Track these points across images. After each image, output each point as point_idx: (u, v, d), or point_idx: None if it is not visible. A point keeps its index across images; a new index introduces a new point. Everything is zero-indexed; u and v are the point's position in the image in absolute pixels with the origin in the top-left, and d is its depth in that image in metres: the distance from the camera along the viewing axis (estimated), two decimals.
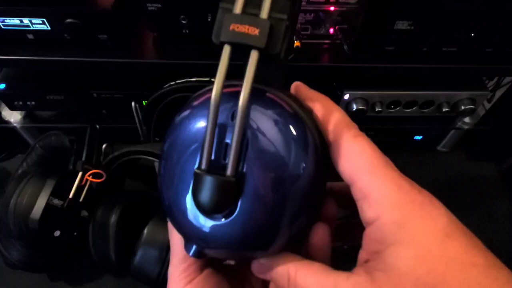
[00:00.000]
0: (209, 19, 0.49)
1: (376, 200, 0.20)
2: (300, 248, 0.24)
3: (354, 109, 0.61)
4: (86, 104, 0.64)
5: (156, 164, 0.60)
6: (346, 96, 0.61)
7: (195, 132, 0.21)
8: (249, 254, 0.23)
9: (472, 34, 0.50)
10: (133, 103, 0.59)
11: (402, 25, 0.49)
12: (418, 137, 0.75)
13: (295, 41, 0.49)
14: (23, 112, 0.69)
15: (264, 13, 0.19)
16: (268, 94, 0.22)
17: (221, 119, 0.20)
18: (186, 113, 0.22)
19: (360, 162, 0.21)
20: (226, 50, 0.19)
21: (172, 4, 0.47)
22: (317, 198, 0.23)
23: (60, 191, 0.53)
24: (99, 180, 0.56)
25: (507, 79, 0.69)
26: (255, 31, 0.18)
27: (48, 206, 0.52)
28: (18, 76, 0.63)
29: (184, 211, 0.22)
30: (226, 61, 0.19)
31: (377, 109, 0.62)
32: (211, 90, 0.19)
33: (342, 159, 0.21)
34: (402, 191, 0.20)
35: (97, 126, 0.61)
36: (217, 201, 0.19)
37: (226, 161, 0.20)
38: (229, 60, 0.19)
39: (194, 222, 0.21)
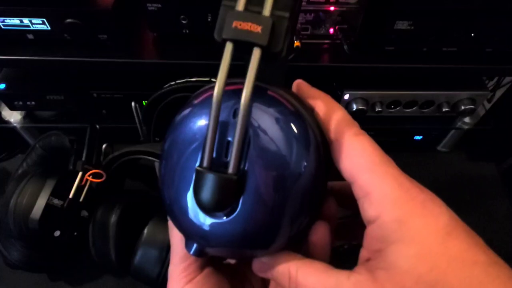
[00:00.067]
0: (209, 19, 0.49)
1: (377, 198, 0.20)
2: (300, 247, 0.24)
3: (354, 109, 0.61)
4: (86, 104, 0.64)
5: (156, 164, 0.60)
6: (346, 96, 0.61)
7: (196, 130, 0.21)
8: (250, 252, 0.23)
9: (472, 34, 0.50)
10: (133, 103, 0.59)
11: (402, 25, 0.49)
12: (418, 137, 0.75)
13: (295, 41, 0.49)
14: (23, 112, 0.69)
15: (267, 10, 0.19)
16: (269, 92, 0.22)
17: (223, 117, 0.20)
18: (187, 111, 0.22)
19: (361, 160, 0.21)
20: (229, 48, 0.19)
21: (172, 4, 0.47)
22: (318, 197, 0.23)
23: (60, 191, 0.53)
24: (99, 180, 0.56)
25: (507, 79, 0.69)
26: (258, 29, 0.18)
27: (48, 206, 0.52)
28: (18, 76, 0.63)
29: (185, 209, 0.22)
30: (228, 59, 0.19)
31: (377, 109, 0.62)
32: (212, 88, 0.19)
33: (343, 157, 0.21)
34: (403, 189, 0.20)
35: (97, 126, 0.61)
36: (219, 199, 0.19)
37: (228, 159, 0.20)
38: (231, 57, 0.19)
39: (195, 220, 0.21)
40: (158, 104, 0.55)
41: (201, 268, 0.26)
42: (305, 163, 0.21)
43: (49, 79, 0.63)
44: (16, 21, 0.48)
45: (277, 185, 0.20)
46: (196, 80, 0.52)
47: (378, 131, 0.69)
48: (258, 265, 0.24)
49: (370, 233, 0.21)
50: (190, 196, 0.21)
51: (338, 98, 0.62)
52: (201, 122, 0.21)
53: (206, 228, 0.21)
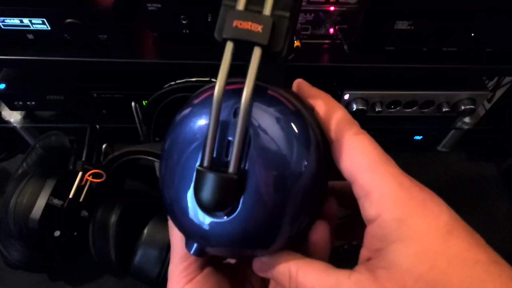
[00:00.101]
0: (209, 19, 0.49)
1: (377, 197, 0.20)
2: (300, 246, 0.24)
3: (354, 109, 0.61)
4: (86, 104, 0.64)
5: (156, 164, 0.60)
6: (346, 96, 0.61)
7: (196, 129, 0.21)
8: (250, 252, 0.23)
9: (472, 34, 0.50)
10: (133, 103, 0.59)
11: (402, 25, 0.49)
12: (418, 137, 0.75)
13: (295, 41, 0.49)
14: (23, 112, 0.69)
15: (267, 10, 0.19)
16: (270, 92, 0.22)
17: (223, 116, 0.20)
18: (187, 111, 0.22)
19: (361, 159, 0.21)
20: (229, 47, 0.19)
21: (172, 4, 0.47)
22: (318, 196, 0.23)
23: (60, 191, 0.53)
24: (99, 180, 0.56)
25: (507, 79, 0.69)
26: (258, 28, 0.18)
27: (48, 206, 0.52)
28: (18, 76, 0.63)
29: (185, 209, 0.21)
30: (229, 58, 0.19)
31: (377, 109, 0.62)
32: (212, 88, 0.19)
33: (343, 157, 0.21)
34: (403, 188, 0.20)
35: (97, 126, 0.61)
36: (219, 199, 0.19)
37: (228, 159, 0.20)
38: (231, 57, 0.19)
39: (195, 220, 0.21)
40: (158, 104, 0.55)
41: (201, 268, 0.26)
42: (306, 163, 0.21)
43: (49, 79, 0.63)
44: (16, 21, 0.48)
45: (278, 185, 0.20)
46: (196, 80, 0.52)
47: (378, 131, 0.69)
48: (259, 264, 0.24)
49: (370, 232, 0.21)
50: (190, 195, 0.21)
51: (338, 98, 0.62)
52: (202, 121, 0.21)
53: (207, 227, 0.21)
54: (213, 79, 0.51)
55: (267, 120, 0.20)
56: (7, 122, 0.69)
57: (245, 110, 0.19)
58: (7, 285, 0.62)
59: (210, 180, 0.19)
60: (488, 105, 0.73)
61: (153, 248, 0.53)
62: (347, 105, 0.62)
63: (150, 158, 0.54)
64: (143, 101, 0.62)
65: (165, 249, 0.52)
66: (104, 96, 0.63)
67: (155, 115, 0.57)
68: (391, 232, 0.19)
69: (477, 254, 0.18)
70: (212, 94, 0.19)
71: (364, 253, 0.21)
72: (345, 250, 0.60)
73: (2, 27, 0.49)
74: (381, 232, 0.20)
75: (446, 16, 0.49)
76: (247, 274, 0.29)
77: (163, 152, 0.23)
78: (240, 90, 0.18)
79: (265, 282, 0.29)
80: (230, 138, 0.20)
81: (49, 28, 0.49)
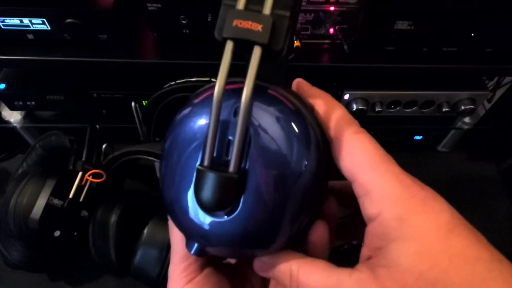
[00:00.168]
0: (209, 19, 0.49)
1: (377, 196, 0.20)
2: (300, 246, 0.24)
3: (354, 109, 0.61)
4: (86, 104, 0.64)
5: (156, 164, 0.60)
6: (346, 96, 0.61)
7: (196, 129, 0.21)
8: (250, 252, 0.23)
9: (472, 34, 0.50)
10: (133, 103, 0.59)
11: (402, 25, 0.49)
12: (418, 137, 0.75)
13: (295, 41, 0.49)
14: (23, 112, 0.69)
15: (267, 9, 0.19)
16: (270, 91, 0.22)
17: (223, 115, 0.20)
18: (187, 110, 0.22)
19: (361, 158, 0.21)
20: (229, 46, 0.19)
21: (172, 4, 0.47)
22: (319, 196, 0.23)
23: (60, 191, 0.53)
24: (99, 180, 0.56)
25: (507, 79, 0.69)
26: (258, 27, 0.18)
27: (48, 206, 0.52)
28: (18, 76, 0.63)
29: (185, 209, 0.21)
30: (229, 57, 0.19)
31: (377, 109, 0.62)
32: (212, 87, 0.19)
33: (343, 156, 0.21)
34: (404, 187, 0.20)
35: (97, 126, 0.61)
36: (219, 198, 0.19)
37: (229, 158, 0.20)
38: (231, 56, 0.19)
39: (195, 219, 0.21)
40: (158, 104, 0.55)
41: (202, 268, 0.26)
42: (306, 162, 0.21)
43: (49, 79, 0.63)
44: (16, 21, 0.48)
45: (278, 184, 0.20)
46: (196, 80, 0.52)
47: (378, 131, 0.69)
48: (259, 264, 0.24)
49: (371, 231, 0.21)
50: (190, 195, 0.21)
51: (338, 98, 0.62)
52: (202, 121, 0.21)
53: (207, 227, 0.21)
54: (213, 79, 0.51)
55: (267, 120, 0.20)
56: (7, 122, 0.69)
57: (245, 109, 0.18)
58: (7, 285, 0.62)
59: (210, 179, 0.19)
60: (488, 105, 0.73)
61: (153, 248, 0.53)
62: (347, 105, 0.62)
63: (150, 158, 0.54)
64: (143, 101, 0.62)
65: (165, 249, 0.52)
66: (104, 96, 0.63)
67: (155, 115, 0.57)
68: (392, 231, 0.19)
69: (479, 252, 0.18)
70: (212, 94, 0.19)
71: (364, 251, 0.21)
72: (345, 250, 0.60)
73: (2, 27, 0.49)
74: (381, 231, 0.20)
75: (446, 16, 0.49)
76: (247, 274, 0.29)
77: (163, 152, 0.23)
78: (240, 90, 0.18)
79: (265, 282, 0.29)
80: (230, 138, 0.20)
81: (49, 28, 0.49)
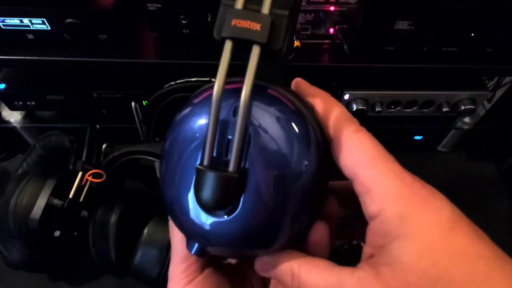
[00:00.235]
0: (209, 19, 0.49)
1: (378, 193, 0.20)
2: (300, 246, 0.24)
3: (354, 109, 0.61)
4: (86, 104, 0.64)
5: (156, 164, 0.60)
6: (346, 96, 0.61)
7: (196, 129, 0.21)
8: (251, 251, 0.23)
9: (472, 34, 0.50)
10: (133, 103, 0.59)
11: (402, 25, 0.49)
12: (418, 137, 0.75)
13: (295, 41, 0.49)
14: (23, 112, 0.69)
15: (266, 8, 0.19)
16: (269, 91, 0.22)
17: (223, 115, 0.20)
18: (187, 110, 0.22)
19: (361, 156, 0.21)
20: (228, 46, 0.19)
21: (172, 4, 0.47)
22: (319, 195, 0.23)
23: (60, 191, 0.53)
24: (99, 180, 0.56)
25: (507, 79, 0.69)
26: (257, 26, 0.18)
27: (48, 206, 0.52)
28: (18, 76, 0.63)
29: (186, 209, 0.21)
30: (228, 57, 0.19)
31: (377, 109, 0.62)
32: (211, 87, 0.19)
33: (344, 154, 0.21)
34: (405, 184, 0.20)
35: (97, 126, 0.61)
36: (219, 198, 0.19)
37: (228, 157, 0.20)
38: (230, 55, 0.19)
39: (196, 219, 0.21)
40: (158, 104, 0.55)
41: (202, 268, 0.26)
42: (306, 161, 0.21)
43: (49, 79, 0.63)
44: (16, 21, 0.48)
45: (278, 183, 0.20)
46: (196, 80, 0.52)
47: (378, 131, 0.69)
48: (260, 264, 0.24)
49: (372, 229, 0.21)
50: (191, 195, 0.21)
51: (338, 98, 0.62)
52: (201, 121, 0.21)
53: (207, 227, 0.21)
54: (213, 79, 0.51)
55: (267, 119, 0.20)
56: (7, 122, 0.69)
57: (244, 107, 0.18)
58: (7, 285, 0.62)
59: (210, 179, 0.19)
60: (488, 105, 0.73)
61: (153, 248, 0.53)
62: (347, 105, 0.62)
63: (150, 158, 0.54)
64: (143, 101, 0.62)
65: (165, 249, 0.52)
66: (104, 96, 0.63)
67: (155, 115, 0.57)
68: (394, 229, 0.19)
69: (480, 249, 0.18)
70: (211, 94, 0.19)
71: (366, 250, 0.21)
72: (345, 250, 0.60)
73: (2, 27, 0.49)
74: (383, 229, 0.20)
75: (446, 16, 0.49)
76: (248, 274, 0.29)
77: (163, 151, 0.23)
78: (240, 89, 0.18)
79: (265, 282, 0.29)
80: (229, 137, 0.20)
81: (49, 28, 0.49)
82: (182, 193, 0.21)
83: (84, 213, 0.57)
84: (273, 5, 0.19)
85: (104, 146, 0.61)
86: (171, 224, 0.25)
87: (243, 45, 0.19)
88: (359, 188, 0.21)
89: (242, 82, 0.19)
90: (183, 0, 0.47)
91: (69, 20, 0.47)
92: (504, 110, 0.73)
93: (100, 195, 0.57)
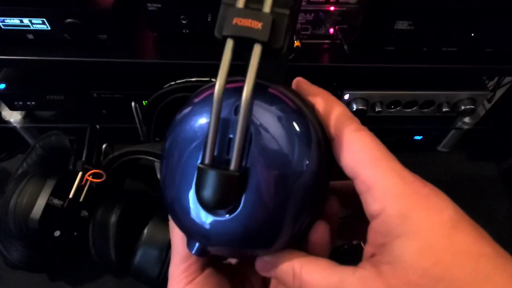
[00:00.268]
0: (209, 19, 0.49)
1: (380, 192, 0.20)
2: (300, 246, 0.24)
3: (354, 109, 0.61)
4: (86, 104, 0.64)
5: (156, 164, 0.60)
6: (346, 96, 0.61)
7: (197, 128, 0.21)
8: (252, 251, 0.23)
9: (472, 34, 0.50)
10: (133, 103, 0.59)
11: (402, 25, 0.49)
12: (418, 137, 0.75)
13: (295, 41, 0.49)
14: (23, 112, 0.69)
15: (267, 7, 0.19)
16: (270, 90, 0.21)
17: (224, 114, 0.20)
18: (187, 110, 0.22)
19: (362, 155, 0.21)
20: (229, 44, 0.19)
21: (172, 4, 0.47)
22: (320, 194, 0.23)
23: (60, 191, 0.53)
24: (99, 180, 0.56)
25: (507, 79, 0.69)
26: (258, 25, 0.18)
27: (48, 206, 0.52)
28: (18, 76, 0.63)
29: (186, 208, 0.21)
30: (229, 56, 0.19)
31: (377, 109, 0.62)
32: (212, 86, 0.19)
33: (345, 153, 0.21)
34: (406, 183, 0.20)
35: (97, 126, 0.61)
36: (221, 196, 0.19)
37: (229, 156, 0.20)
38: (232, 54, 0.19)
39: (196, 219, 0.21)
40: (158, 104, 0.55)
41: (202, 268, 0.26)
42: (307, 160, 0.21)
43: (49, 79, 0.63)
44: (16, 21, 0.48)
45: (280, 182, 0.20)
46: (196, 80, 0.52)
47: (378, 131, 0.68)
48: (261, 264, 0.24)
49: (374, 228, 0.21)
50: (191, 194, 0.21)
51: (338, 98, 0.61)
52: (202, 120, 0.21)
53: (208, 226, 0.21)
54: (213, 79, 0.51)
55: (268, 118, 0.20)
56: (7, 122, 0.69)
57: (246, 106, 0.18)
58: (7, 285, 0.62)
59: (211, 177, 0.19)
60: (488, 105, 0.73)
61: (153, 248, 0.53)
62: (347, 105, 0.62)
63: (150, 158, 0.54)
64: (143, 101, 0.62)
65: (165, 249, 0.52)
66: (104, 96, 0.63)
67: (155, 115, 0.57)
68: (395, 227, 0.19)
69: (482, 248, 0.18)
70: (212, 93, 0.19)
71: (368, 249, 0.21)
72: (345, 250, 0.60)
73: (2, 27, 0.49)
74: (385, 228, 0.20)
75: (446, 16, 0.49)
76: (248, 274, 0.29)
77: (163, 151, 0.23)
78: (241, 88, 0.18)
79: (265, 282, 0.29)
80: (231, 136, 0.20)
81: (49, 28, 0.49)
82: (183, 192, 0.21)
83: (84, 213, 0.57)
84: (274, 4, 0.19)
85: (104, 146, 0.61)
86: (171, 223, 0.25)
87: (244, 44, 0.19)
88: (360, 187, 0.21)
89: (243, 81, 0.18)
90: (183, 0, 0.47)
91: (69, 20, 0.47)
92: (504, 110, 0.73)
93: (100, 195, 0.57)
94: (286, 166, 0.20)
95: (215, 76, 0.19)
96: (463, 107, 0.62)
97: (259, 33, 0.18)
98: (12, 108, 0.64)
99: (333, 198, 0.24)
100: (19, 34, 0.49)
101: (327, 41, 0.53)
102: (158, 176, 0.62)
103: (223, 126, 0.20)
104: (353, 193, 0.22)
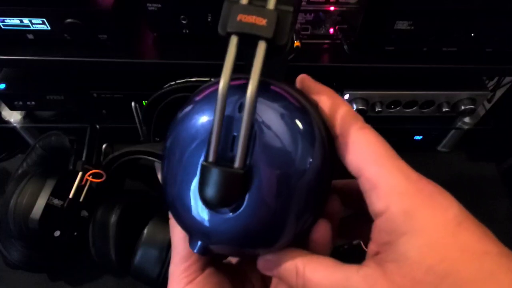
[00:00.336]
0: (209, 19, 0.49)
1: (384, 190, 0.20)
2: (301, 245, 0.23)
3: (354, 109, 0.61)
4: (86, 104, 0.64)
5: (156, 164, 0.60)
6: (346, 96, 0.61)
7: (199, 126, 0.21)
8: (255, 250, 0.23)
9: (472, 34, 0.50)
10: (133, 103, 0.59)
11: (402, 25, 0.49)
12: (418, 137, 0.75)
13: (295, 41, 0.49)
14: (23, 112, 0.69)
15: (271, 4, 0.19)
16: (273, 87, 0.21)
17: (228, 112, 0.20)
18: (189, 108, 0.22)
19: (367, 153, 0.21)
20: (233, 41, 0.19)
21: (172, 4, 0.47)
22: (324, 192, 0.22)
23: (60, 191, 0.53)
24: (99, 180, 0.56)
25: (507, 79, 0.69)
26: (263, 22, 0.18)
27: (48, 206, 0.52)
28: (18, 76, 0.63)
29: (189, 206, 0.21)
30: (233, 52, 0.19)
31: (377, 109, 0.62)
32: (213, 85, 0.19)
33: (349, 151, 0.21)
34: (411, 181, 0.20)
35: (97, 126, 0.61)
36: (225, 194, 0.19)
37: (234, 154, 0.19)
38: (236, 51, 0.19)
39: (199, 217, 0.21)
40: (158, 104, 0.55)
41: (203, 268, 0.25)
42: (311, 159, 0.20)
43: (49, 79, 0.63)
44: (16, 21, 0.48)
45: (284, 181, 0.20)
46: (196, 80, 0.52)
47: (378, 131, 0.69)
48: (263, 263, 0.24)
49: (378, 226, 0.21)
50: (194, 192, 0.21)
51: None
52: (204, 118, 0.21)
53: (211, 224, 0.21)
54: (213, 79, 0.51)
55: (272, 116, 0.20)
56: (7, 122, 0.69)
57: (251, 103, 0.18)
58: (7, 285, 0.62)
59: (215, 175, 0.19)
60: (488, 105, 0.73)
61: (153, 248, 0.53)
62: None
63: (150, 158, 0.54)
64: (143, 101, 0.62)
65: (165, 249, 0.52)
66: (104, 96, 0.63)
67: (155, 115, 0.57)
68: (400, 225, 0.19)
69: (487, 246, 0.18)
70: (214, 91, 0.19)
71: (371, 247, 0.21)
72: (345, 250, 0.60)
73: (2, 27, 0.49)
74: (389, 226, 0.20)
75: (446, 16, 0.49)
76: (248, 274, 0.29)
77: (165, 150, 0.23)
78: (244, 86, 0.18)
79: (265, 282, 0.29)
80: (235, 134, 0.20)
81: (49, 28, 0.49)
82: (185, 191, 0.21)
83: (84, 213, 0.57)
84: (278, 1, 0.19)
85: (104, 146, 0.61)
86: (172, 223, 0.25)
87: (249, 41, 0.18)
88: (364, 185, 0.21)
89: (245, 78, 0.18)
90: (183, 0, 0.47)
91: (69, 20, 0.47)
92: (504, 110, 0.73)
93: (100, 195, 0.57)
94: (290, 164, 0.20)
95: (215, 76, 0.19)
96: (463, 107, 0.62)
97: (264, 29, 0.18)
98: (12, 108, 0.64)
99: (334, 197, 0.24)
100: (19, 34, 0.49)
101: (327, 41, 0.53)
102: (158, 176, 0.62)
103: (226, 124, 0.20)
104: (354, 193, 0.22)
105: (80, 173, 0.55)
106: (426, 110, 0.65)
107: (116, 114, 0.67)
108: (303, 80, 0.25)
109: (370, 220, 0.21)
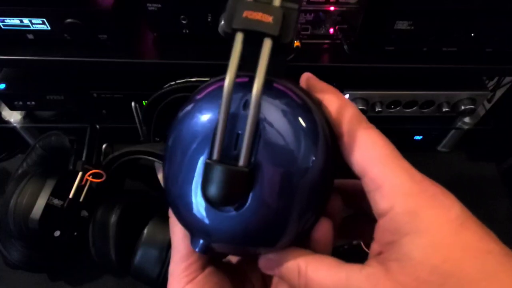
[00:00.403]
0: (209, 19, 0.49)
1: (388, 190, 0.20)
2: (303, 244, 0.23)
3: None
4: (86, 104, 0.64)
5: (157, 164, 0.60)
6: (346, 96, 0.61)
7: (202, 124, 0.21)
8: (257, 249, 0.23)
9: (472, 34, 0.50)
10: (133, 103, 0.59)
11: (402, 25, 0.49)
12: (418, 137, 0.75)
13: (295, 41, 0.49)
14: (23, 112, 0.69)
15: (277, 1, 0.19)
16: (277, 85, 0.21)
17: (232, 109, 0.20)
18: (191, 106, 0.22)
19: (372, 153, 0.21)
20: (239, 38, 0.19)
21: (172, 4, 0.47)
22: (326, 191, 0.22)
23: (60, 191, 0.53)
24: (99, 180, 0.56)
25: (507, 79, 0.69)
26: (269, 19, 0.18)
27: (48, 206, 0.52)
28: (18, 76, 0.63)
29: (191, 205, 0.21)
30: (239, 49, 0.18)
31: (377, 109, 0.62)
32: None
33: (354, 151, 0.21)
34: (415, 182, 0.20)
35: (97, 126, 0.61)
36: (229, 193, 0.19)
37: (238, 152, 0.19)
38: (242, 48, 0.18)
39: (202, 215, 0.21)
40: (158, 104, 0.55)
41: (203, 267, 0.25)
42: (315, 157, 0.20)
43: (49, 79, 0.63)
44: (16, 21, 0.48)
45: (288, 179, 0.20)
46: (196, 80, 0.52)
47: None
48: (265, 262, 0.24)
49: (381, 226, 0.21)
50: (197, 190, 0.21)
51: None
52: (208, 115, 0.21)
53: (214, 223, 0.21)
54: (212, 79, 0.51)
55: (276, 114, 0.20)
56: (7, 122, 0.69)
57: (256, 100, 0.18)
58: (7, 285, 0.62)
59: (220, 173, 0.19)
60: (488, 105, 0.73)
61: (153, 248, 0.53)
62: None
63: (150, 158, 0.54)
64: (143, 101, 0.62)
65: (165, 249, 0.52)
66: (104, 96, 0.63)
67: (155, 115, 0.57)
68: (404, 225, 0.19)
69: (489, 245, 0.18)
70: (216, 89, 0.19)
71: (374, 247, 0.21)
72: (345, 250, 0.60)
73: (2, 27, 0.49)
74: (393, 225, 0.20)
75: (446, 16, 0.49)
76: (248, 274, 0.29)
77: (166, 148, 0.23)
78: (247, 83, 0.18)
79: (266, 282, 0.28)
80: (239, 132, 0.20)
81: (49, 28, 0.49)
82: (188, 189, 0.21)
83: (84, 213, 0.57)
84: None
85: (104, 146, 0.61)
86: (172, 222, 0.25)
87: (254, 38, 0.18)
88: (369, 184, 0.21)
89: (248, 76, 0.18)
90: (183, 0, 0.47)
91: (69, 20, 0.47)
92: (504, 110, 0.73)
93: (100, 195, 0.57)
94: (294, 162, 0.20)
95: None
96: (463, 107, 0.62)
97: (270, 27, 0.18)
98: (12, 108, 0.64)
99: (336, 196, 0.24)
100: (19, 34, 0.49)
101: (327, 41, 0.53)
102: (159, 176, 0.62)
103: (231, 122, 0.20)
104: (354, 193, 0.22)
105: (80, 173, 0.55)
106: (426, 110, 0.65)
107: (116, 114, 0.67)
108: (308, 78, 0.25)
109: (371, 220, 0.21)
